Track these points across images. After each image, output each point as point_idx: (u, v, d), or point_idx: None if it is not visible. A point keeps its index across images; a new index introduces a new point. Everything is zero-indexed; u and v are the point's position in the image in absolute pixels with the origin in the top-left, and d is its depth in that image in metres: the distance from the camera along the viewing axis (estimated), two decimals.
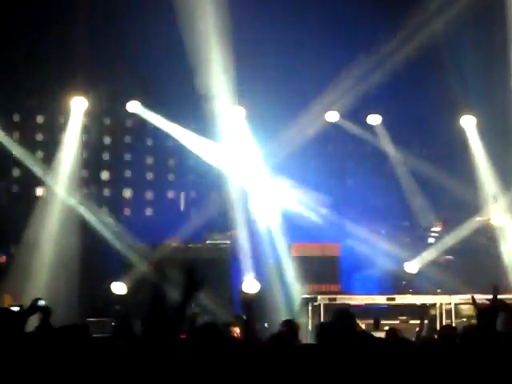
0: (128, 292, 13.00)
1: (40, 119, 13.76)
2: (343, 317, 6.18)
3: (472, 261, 13.57)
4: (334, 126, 14.99)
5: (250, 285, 13.48)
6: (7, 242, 13.62)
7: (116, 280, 13.06)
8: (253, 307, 6.50)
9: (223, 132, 14.15)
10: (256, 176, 14.53)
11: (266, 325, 11.50)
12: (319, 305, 11.35)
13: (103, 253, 13.48)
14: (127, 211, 14.18)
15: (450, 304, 11.43)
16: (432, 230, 14.27)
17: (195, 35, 13.36)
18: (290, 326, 7.24)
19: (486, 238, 13.85)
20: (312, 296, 11.78)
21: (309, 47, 13.71)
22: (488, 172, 14.60)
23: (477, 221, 13.91)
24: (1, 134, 13.74)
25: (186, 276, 5.15)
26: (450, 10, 13.58)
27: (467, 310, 11.29)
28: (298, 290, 12.76)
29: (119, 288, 13.07)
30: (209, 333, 5.45)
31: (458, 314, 11.48)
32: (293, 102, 13.89)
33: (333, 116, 14.91)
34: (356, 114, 15.00)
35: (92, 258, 13.41)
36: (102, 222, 13.80)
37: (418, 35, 13.81)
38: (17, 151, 13.82)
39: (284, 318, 8.83)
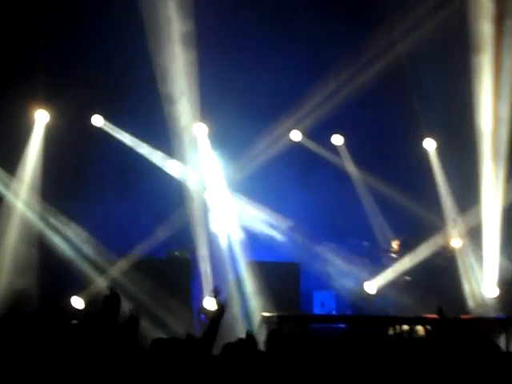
0: (85, 307, 12.93)
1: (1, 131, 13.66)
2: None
3: (430, 282, 13.68)
4: (298, 145, 15.09)
5: (209, 302, 13.48)
6: None
7: (74, 294, 13.00)
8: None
9: (186, 148, 14.19)
10: (218, 193, 14.58)
11: None
12: (277, 323, 11.37)
13: (62, 266, 13.39)
14: (88, 225, 14.07)
15: None
16: (391, 250, 14.39)
17: (160, 50, 13.41)
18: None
19: (445, 259, 13.99)
20: (271, 314, 11.80)
21: (274, 66, 13.80)
22: (448, 195, 14.77)
23: (436, 243, 14.05)
24: None
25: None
26: (414, 34, 13.77)
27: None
28: (257, 308, 12.76)
29: (77, 302, 13.01)
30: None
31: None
32: (256, 121, 13.97)
33: (296, 135, 15.02)
34: (320, 134, 15.10)
35: (51, 271, 13.32)
36: (62, 236, 13.74)
37: (383, 58, 13.98)
38: None
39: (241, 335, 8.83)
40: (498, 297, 13.67)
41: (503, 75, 13.73)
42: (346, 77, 14.10)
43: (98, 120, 14.50)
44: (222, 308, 5.86)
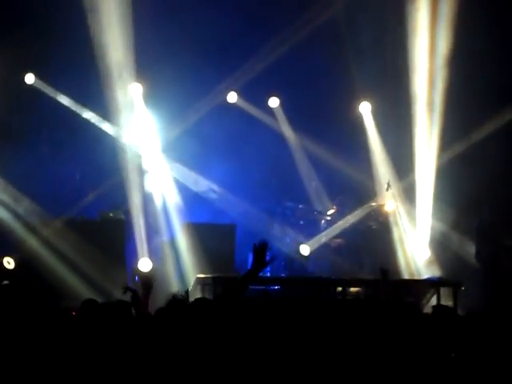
0: (16, 267, 12.75)
1: None
2: None
3: (363, 245, 13.82)
4: (233, 107, 15.01)
5: (144, 263, 13.41)
6: None
7: (4, 255, 12.81)
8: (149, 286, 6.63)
9: (121, 108, 14.00)
10: (153, 154, 14.45)
11: None
12: (212, 285, 11.37)
13: None
14: (20, 185, 13.84)
15: None
16: (326, 213, 14.47)
17: (95, 7, 13.18)
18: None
19: (378, 223, 14.12)
20: (206, 276, 11.79)
21: (210, 27, 13.69)
22: (382, 158, 14.88)
23: (370, 206, 14.18)
24: None
25: (259, 254, 5.58)
26: None
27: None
28: (192, 270, 12.75)
29: (8, 263, 12.82)
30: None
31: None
32: (192, 82, 13.87)
33: (232, 97, 14.93)
34: (256, 96, 15.04)
35: None
36: None
37: (319, 19, 13.95)
38: None
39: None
40: (430, 258, 13.87)
41: (439, 26, 13.77)
42: (282, 38, 14.05)
43: (30, 78, 14.22)
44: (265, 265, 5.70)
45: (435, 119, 14.08)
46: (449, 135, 14.02)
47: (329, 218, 14.32)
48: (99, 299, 7.55)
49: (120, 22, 13.39)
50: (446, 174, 13.98)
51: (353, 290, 11.69)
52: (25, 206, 13.45)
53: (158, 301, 7.21)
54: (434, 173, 14.10)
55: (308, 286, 12.03)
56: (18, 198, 13.52)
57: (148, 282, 6.40)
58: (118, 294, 11.08)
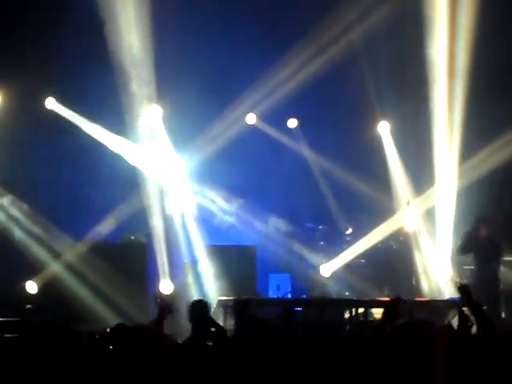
0: (39, 291, 12.82)
1: None
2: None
3: (384, 265, 13.78)
4: (253, 128, 15.06)
5: (165, 285, 13.45)
6: None
7: (28, 279, 12.89)
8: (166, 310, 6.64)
9: (141, 131, 14.08)
10: (173, 176, 14.51)
11: None
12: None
13: (14, 251, 13.23)
14: (43, 209, 13.92)
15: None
16: (346, 233, 14.45)
17: (116, 31, 13.27)
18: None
19: (399, 242, 14.08)
20: (228, 298, 11.79)
21: (230, 49, 13.77)
22: (402, 178, 14.86)
23: (390, 226, 14.13)
24: None
25: None
26: (367, 19, 13.82)
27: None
28: (214, 292, 12.75)
29: (31, 287, 12.89)
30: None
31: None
32: (212, 104, 13.93)
33: (252, 118, 14.99)
34: (275, 117, 15.09)
35: (4, 256, 13.16)
36: (13, 220, 13.59)
37: (338, 42, 14.00)
38: None
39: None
40: (452, 278, 13.80)
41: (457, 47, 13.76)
42: (302, 60, 14.11)
43: (51, 103, 14.34)
44: None
45: (455, 137, 14.04)
46: (470, 153, 13.95)
47: (348, 239, 14.29)
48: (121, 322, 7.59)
49: (141, 45, 13.48)
50: (467, 192, 13.90)
51: (374, 311, 11.64)
52: (46, 229, 13.53)
53: (181, 321, 7.26)
54: (455, 192, 14.04)
55: (329, 308, 11.99)
56: (39, 221, 13.59)
57: (166, 306, 6.42)
58: (139, 317, 11.18)
